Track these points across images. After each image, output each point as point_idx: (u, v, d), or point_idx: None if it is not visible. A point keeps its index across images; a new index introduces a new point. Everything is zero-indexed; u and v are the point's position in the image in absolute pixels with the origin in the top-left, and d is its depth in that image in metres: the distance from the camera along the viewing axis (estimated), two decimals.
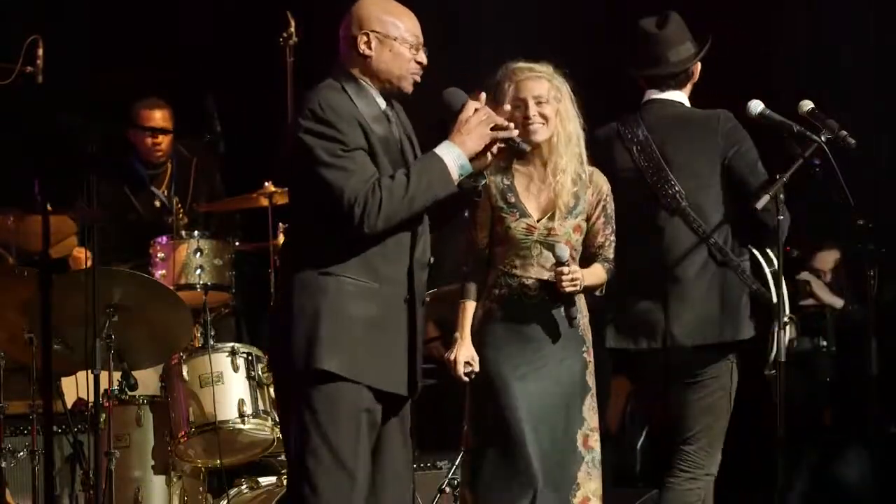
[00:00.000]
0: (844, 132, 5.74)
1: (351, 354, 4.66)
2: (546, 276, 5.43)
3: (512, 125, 4.84)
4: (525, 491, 5.31)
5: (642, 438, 7.60)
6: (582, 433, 5.45)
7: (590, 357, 5.51)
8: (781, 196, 5.63)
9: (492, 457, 5.38)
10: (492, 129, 4.77)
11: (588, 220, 5.52)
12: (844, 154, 5.72)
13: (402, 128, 4.88)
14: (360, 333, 4.68)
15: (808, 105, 5.84)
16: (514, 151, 5.10)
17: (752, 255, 5.77)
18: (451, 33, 8.21)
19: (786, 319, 5.69)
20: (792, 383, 7.06)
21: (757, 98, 5.74)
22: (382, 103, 4.80)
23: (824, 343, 7.46)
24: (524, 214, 5.45)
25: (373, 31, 4.77)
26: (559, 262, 5.38)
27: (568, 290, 5.38)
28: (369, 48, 4.77)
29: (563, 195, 5.46)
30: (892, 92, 8.11)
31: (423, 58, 4.80)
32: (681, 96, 5.94)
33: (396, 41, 4.76)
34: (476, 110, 4.78)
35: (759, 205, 5.63)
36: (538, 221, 5.45)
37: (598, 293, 5.58)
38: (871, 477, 6.81)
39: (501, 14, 8.58)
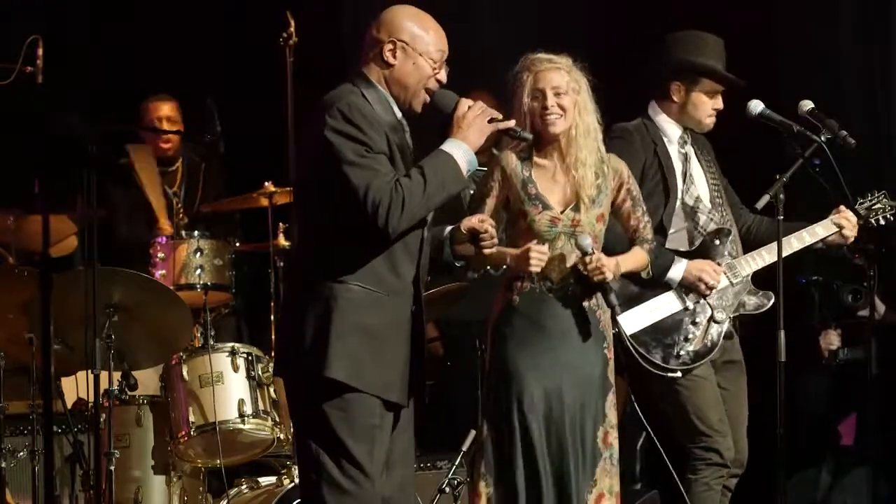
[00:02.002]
0: (844, 132, 5.75)
1: (358, 364, 4.68)
2: (568, 269, 5.43)
3: (502, 116, 4.83)
4: (529, 488, 5.33)
5: (642, 438, 7.59)
6: (602, 430, 5.46)
7: (610, 354, 5.51)
8: (781, 196, 5.63)
9: (501, 450, 5.38)
10: (489, 121, 4.78)
11: (613, 205, 5.52)
12: (845, 153, 5.73)
13: (408, 139, 4.88)
14: (368, 342, 4.69)
15: (808, 105, 5.85)
16: (517, 139, 5.10)
17: None
18: (450, 33, 8.20)
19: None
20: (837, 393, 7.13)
21: (763, 97, 5.77)
22: (398, 112, 4.81)
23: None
24: (546, 206, 5.44)
25: (400, 40, 4.76)
26: (583, 253, 5.38)
27: (596, 278, 5.38)
28: (394, 56, 4.77)
29: (585, 188, 5.45)
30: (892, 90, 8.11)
31: (443, 76, 4.81)
32: (653, 107, 6.07)
33: (421, 56, 4.76)
34: (470, 106, 4.79)
35: (759, 205, 5.64)
36: (562, 213, 5.45)
37: (644, 275, 5.60)
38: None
39: (501, 14, 8.57)
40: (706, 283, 5.91)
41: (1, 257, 7.19)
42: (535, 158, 5.51)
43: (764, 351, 5.90)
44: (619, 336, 5.69)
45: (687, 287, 5.95)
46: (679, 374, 5.94)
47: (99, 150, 5.98)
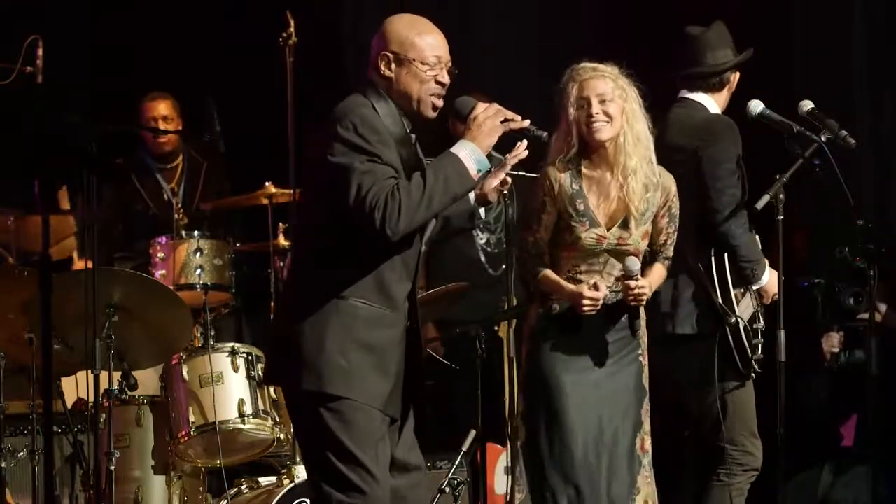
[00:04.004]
0: (844, 132, 5.75)
1: (360, 379, 4.67)
2: (610, 282, 5.42)
3: (519, 117, 4.79)
4: (569, 492, 5.32)
5: None
6: (640, 437, 5.46)
7: (645, 361, 5.51)
8: (781, 196, 5.63)
9: (543, 454, 5.38)
10: (503, 121, 4.76)
11: (654, 218, 5.51)
12: (846, 154, 5.73)
13: (419, 154, 4.86)
14: (370, 358, 4.68)
15: (808, 105, 5.84)
16: (531, 140, 5.07)
17: (717, 260, 5.80)
18: (450, 34, 8.20)
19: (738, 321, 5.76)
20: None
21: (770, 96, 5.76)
22: (408, 125, 4.78)
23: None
24: (594, 224, 5.42)
25: (392, 52, 4.73)
26: (628, 276, 5.37)
27: (633, 303, 5.38)
28: (389, 69, 4.74)
29: (635, 201, 5.43)
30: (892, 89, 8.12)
31: (444, 77, 4.76)
32: (707, 99, 5.95)
33: (414, 62, 4.72)
34: (486, 108, 4.78)
35: (759, 205, 5.63)
36: (608, 231, 5.42)
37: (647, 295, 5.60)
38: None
39: (502, 14, 8.58)
40: (775, 294, 5.90)
41: (1, 257, 7.20)
42: (584, 170, 5.47)
43: (764, 351, 5.90)
44: (734, 328, 5.67)
45: (757, 291, 5.92)
46: (754, 375, 5.90)
47: (99, 150, 5.98)
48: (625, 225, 5.43)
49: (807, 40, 8.21)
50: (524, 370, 5.55)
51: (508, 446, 6.45)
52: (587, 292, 5.36)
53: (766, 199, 5.60)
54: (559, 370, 5.39)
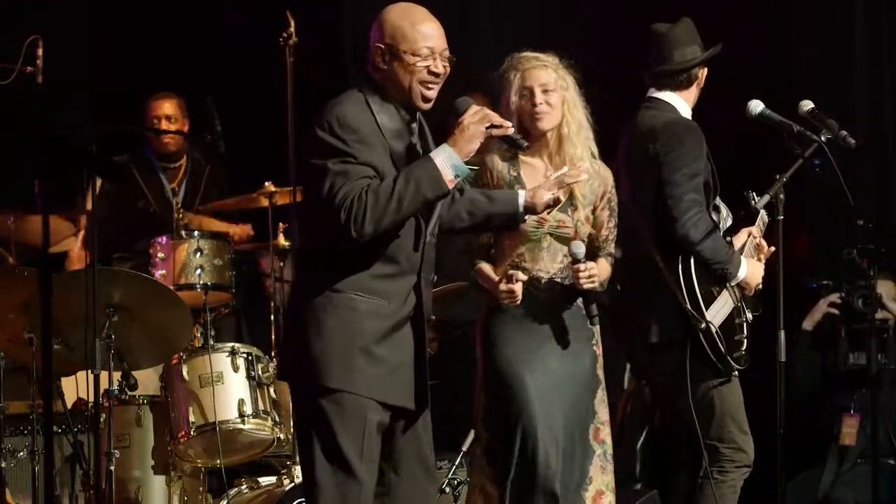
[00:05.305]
0: (844, 132, 5.74)
1: (359, 372, 4.68)
2: (555, 269, 5.44)
3: (509, 123, 4.78)
4: (544, 489, 5.31)
5: (642, 438, 7.60)
6: (593, 427, 5.47)
7: (599, 350, 5.53)
8: (781, 196, 5.63)
9: (508, 455, 5.37)
10: (488, 127, 4.74)
11: (594, 211, 5.52)
12: (846, 154, 5.73)
13: (426, 141, 4.85)
14: (369, 350, 4.69)
15: (808, 105, 5.84)
16: (514, 146, 5.08)
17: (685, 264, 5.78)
18: (450, 35, 8.21)
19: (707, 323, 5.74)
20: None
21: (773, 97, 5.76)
22: (406, 116, 4.77)
23: (884, 360, 7.40)
24: None
25: (385, 43, 4.72)
26: (575, 260, 5.38)
27: (586, 286, 5.38)
28: (384, 62, 4.73)
29: (581, 185, 5.45)
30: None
31: (437, 67, 4.72)
32: (675, 98, 5.93)
33: (406, 53, 4.70)
34: (474, 112, 4.76)
35: (760, 204, 5.63)
36: (548, 213, 5.44)
37: (598, 287, 5.58)
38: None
39: (502, 14, 8.58)
40: (758, 285, 5.87)
41: (1, 257, 7.20)
42: (522, 157, 5.51)
43: (764, 351, 5.89)
44: (705, 332, 5.65)
45: (738, 285, 5.88)
46: (736, 373, 5.88)
47: (99, 150, 5.98)
48: (565, 209, 5.44)
49: (807, 40, 8.22)
50: (481, 370, 5.54)
51: None
52: (501, 286, 5.38)
53: (766, 198, 5.60)
54: (516, 363, 5.40)
